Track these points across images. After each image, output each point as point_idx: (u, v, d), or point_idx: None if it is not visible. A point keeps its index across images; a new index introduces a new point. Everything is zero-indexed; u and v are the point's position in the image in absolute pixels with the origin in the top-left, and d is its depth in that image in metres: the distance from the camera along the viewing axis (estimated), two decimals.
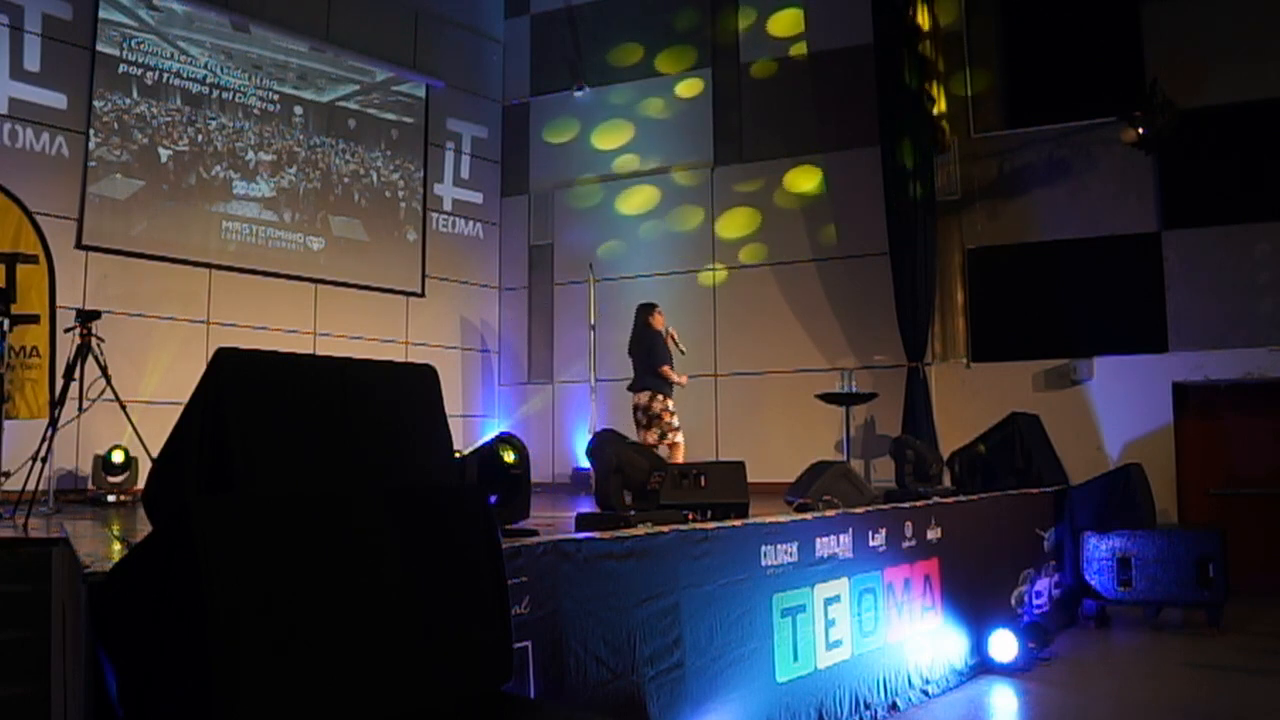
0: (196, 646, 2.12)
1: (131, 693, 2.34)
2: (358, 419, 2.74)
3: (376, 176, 11.52)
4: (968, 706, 5.66)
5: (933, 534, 6.07)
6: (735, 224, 11.42)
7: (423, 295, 11.77)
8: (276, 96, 10.64)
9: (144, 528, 2.99)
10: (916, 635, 5.73)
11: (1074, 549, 8.04)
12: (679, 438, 8.34)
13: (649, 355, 8.29)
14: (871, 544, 5.39)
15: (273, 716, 2.20)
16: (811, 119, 11.04)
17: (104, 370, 6.55)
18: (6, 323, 6.53)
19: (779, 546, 4.63)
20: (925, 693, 5.69)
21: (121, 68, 9.46)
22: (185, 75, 9.90)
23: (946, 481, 8.06)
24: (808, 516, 5.02)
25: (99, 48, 9.30)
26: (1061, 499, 8.23)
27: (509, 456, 4.11)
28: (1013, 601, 7.05)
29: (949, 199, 10.31)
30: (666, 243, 11.73)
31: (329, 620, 2.34)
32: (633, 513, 4.37)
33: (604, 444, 4.66)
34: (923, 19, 10.21)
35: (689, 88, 11.86)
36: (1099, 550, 7.82)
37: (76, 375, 6.49)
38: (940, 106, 10.31)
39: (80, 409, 6.60)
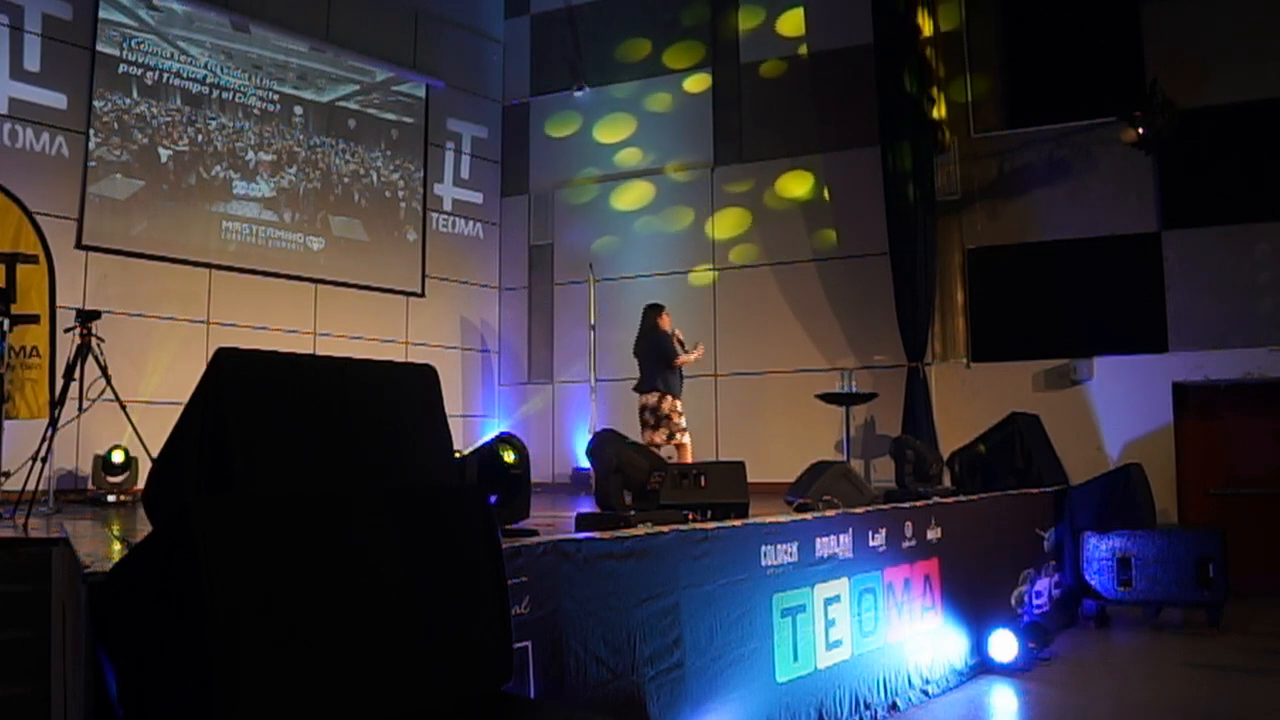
0: (196, 646, 2.12)
1: (131, 693, 2.34)
2: (358, 419, 2.74)
3: (376, 176, 11.52)
4: (968, 706, 5.66)
5: (933, 534, 6.07)
6: (735, 224, 11.42)
7: (423, 295, 11.77)
8: (276, 96, 10.64)
9: (144, 528, 2.99)
10: (916, 635, 5.73)
11: (1074, 549, 8.04)
12: (686, 438, 8.35)
13: (658, 356, 8.29)
14: (871, 544, 5.39)
15: (273, 716, 2.20)
16: (811, 119, 11.04)
17: (104, 370, 6.55)
18: (6, 323, 6.53)
19: (779, 546, 4.63)
20: (925, 693, 5.69)
21: (121, 68, 9.46)
22: (185, 75, 9.90)
23: (946, 481, 8.06)
24: (808, 516, 5.02)
25: (99, 48, 9.30)
26: (1061, 499, 8.23)
27: (509, 456, 4.11)
28: (1013, 601, 7.05)
29: (949, 199, 10.31)
30: (666, 242, 11.73)
31: (329, 620, 2.34)
32: (633, 513, 4.37)
33: (604, 444, 4.66)
34: (923, 19, 10.22)
35: (689, 88, 11.86)
36: (1099, 550, 7.82)
37: (76, 375, 6.49)
38: (940, 107, 10.31)
39: (80, 409, 6.60)
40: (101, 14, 9.33)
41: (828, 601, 4.95)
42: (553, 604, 3.43)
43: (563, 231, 12.37)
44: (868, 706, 5.16)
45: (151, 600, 2.31)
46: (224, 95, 10.20)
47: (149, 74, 9.64)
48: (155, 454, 3.18)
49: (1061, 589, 7.97)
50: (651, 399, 8.28)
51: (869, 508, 5.56)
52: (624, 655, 3.70)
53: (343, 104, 11.25)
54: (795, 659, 4.66)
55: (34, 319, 7.38)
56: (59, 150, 8.99)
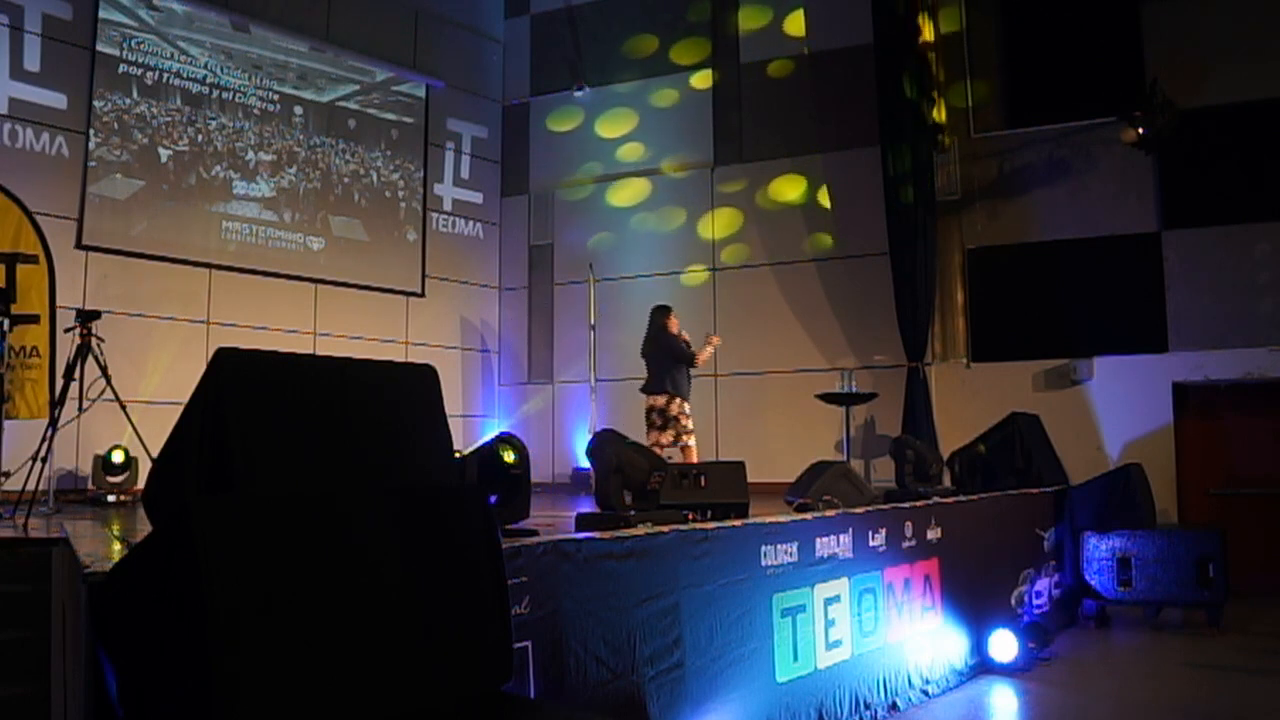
0: (196, 646, 2.12)
1: (131, 693, 2.34)
2: (358, 419, 2.74)
3: (376, 176, 11.52)
4: (968, 706, 5.66)
5: (933, 534, 6.07)
6: (735, 224, 11.42)
7: (423, 295, 11.77)
8: (276, 96, 10.64)
9: (144, 528, 2.99)
10: (916, 635, 5.73)
11: (1074, 549, 8.04)
12: (692, 440, 8.36)
13: (669, 358, 8.28)
14: (871, 544, 5.39)
15: (273, 716, 2.20)
16: (811, 119, 11.04)
17: (104, 370, 6.55)
18: (6, 323, 6.53)
19: (779, 546, 4.63)
20: (925, 693, 5.69)
21: (121, 68, 9.46)
22: (185, 75, 9.90)
23: (946, 481, 8.06)
24: (808, 516, 5.02)
25: (99, 48, 9.30)
26: (1061, 499, 8.23)
27: (509, 456, 4.11)
28: (1013, 601, 7.05)
29: (949, 199, 10.31)
30: (666, 242, 11.73)
31: (329, 620, 2.34)
32: (633, 513, 4.37)
33: (604, 444, 4.66)
34: (922, 20, 10.21)
35: (689, 88, 11.86)
36: (1099, 550, 7.82)
37: (76, 375, 6.48)
38: (940, 107, 10.31)
39: (80, 409, 6.60)
40: (101, 14, 9.33)
41: (828, 601, 4.95)
42: (553, 604, 3.43)
43: (562, 231, 12.37)
44: (868, 706, 5.16)
45: (151, 600, 2.31)
46: (224, 95, 10.20)
47: (149, 74, 9.64)
48: (155, 454, 3.18)
49: (1061, 589, 7.97)
50: (660, 400, 8.29)
51: (869, 508, 5.56)
52: (624, 655, 3.70)
53: (343, 104, 11.25)
54: (795, 659, 4.66)
55: (34, 319, 7.38)
56: (59, 150, 8.99)
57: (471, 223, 12.50)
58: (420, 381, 2.96)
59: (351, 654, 2.36)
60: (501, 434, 4.32)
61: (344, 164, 11.21)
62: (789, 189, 11.16)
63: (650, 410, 8.32)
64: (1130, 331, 9.51)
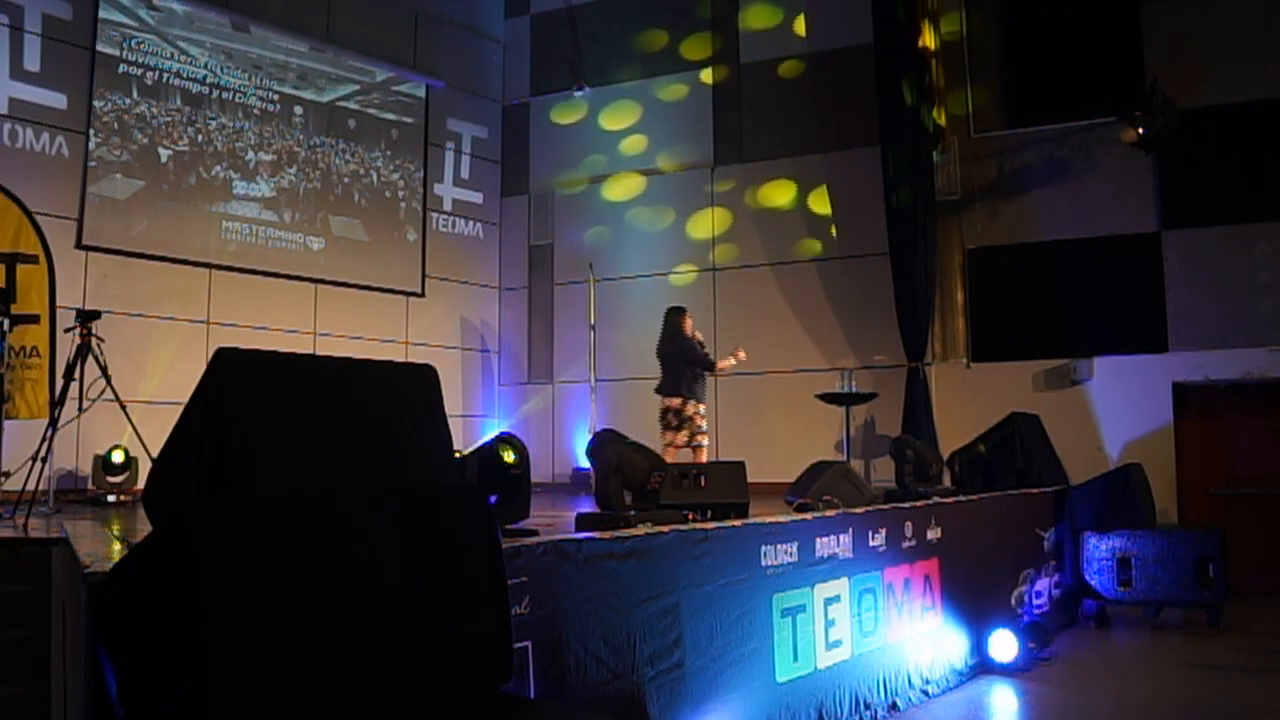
0: (196, 646, 2.12)
1: (131, 693, 2.34)
2: (358, 419, 2.74)
3: (376, 176, 11.52)
4: (968, 706, 5.66)
5: (933, 534, 6.07)
6: (735, 224, 11.41)
7: (423, 295, 11.77)
8: (276, 96, 10.64)
9: (144, 528, 2.99)
10: (916, 635, 5.73)
11: (1074, 549, 8.04)
12: (705, 440, 8.38)
13: (687, 360, 8.29)
14: (871, 544, 5.39)
15: (272, 716, 2.20)
16: (811, 119, 11.04)
17: (104, 370, 6.55)
18: (6, 323, 6.53)
19: (779, 546, 4.63)
20: (925, 693, 5.69)
21: (121, 68, 9.46)
22: (185, 75, 9.90)
23: (946, 481, 8.06)
24: (808, 516, 5.02)
25: (99, 48, 9.30)
26: (1061, 499, 8.23)
27: (509, 456, 4.12)
28: (1013, 601, 7.05)
29: (949, 199, 10.31)
30: (666, 242, 11.73)
31: (329, 620, 2.34)
32: (633, 513, 4.37)
33: (604, 444, 4.66)
34: (922, 20, 10.20)
35: (689, 87, 11.86)
36: (1099, 550, 7.82)
37: (76, 375, 6.48)
38: (940, 107, 10.31)
39: (80, 409, 6.60)
40: (101, 14, 9.33)
41: (828, 601, 4.95)
42: (553, 604, 3.43)
43: (563, 231, 12.37)
44: (868, 706, 5.16)
45: (151, 600, 2.31)
46: (224, 95, 10.20)
47: (149, 74, 9.64)
48: (155, 454, 3.18)
49: (1061, 589, 7.97)
50: (675, 402, 8.29)
51: (869, 508, 5.56)
52: (624, 655, 3.70)
53: (343, 104, 11.25)
54: (795, 659, 4.66)
55: (34, 319, 7.38)
56: (59, 150, 8.99)
57: (471, 223, 12.51)
58: (420, 381, 2.96)
59: (351, 654, 2.36)
60: (501, 434, 4.32)
61: (344, 164, 11.21)
62: (789, 189, 11.15)
63: (665, 411, 8.32)
64: (1130, 331, 9.51)
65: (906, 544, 5.77)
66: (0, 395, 6.29)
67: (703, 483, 4.84)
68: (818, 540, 4.92)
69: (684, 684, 3.96)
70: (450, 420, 3.06)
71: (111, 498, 8.09)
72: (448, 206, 12.26)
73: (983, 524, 6.87)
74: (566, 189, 12.40)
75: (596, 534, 3.78)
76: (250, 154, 10.38)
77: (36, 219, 7.71)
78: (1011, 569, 7.17)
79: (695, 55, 11.86)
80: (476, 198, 12.57)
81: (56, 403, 6.52)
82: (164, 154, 9.71)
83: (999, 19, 10.44)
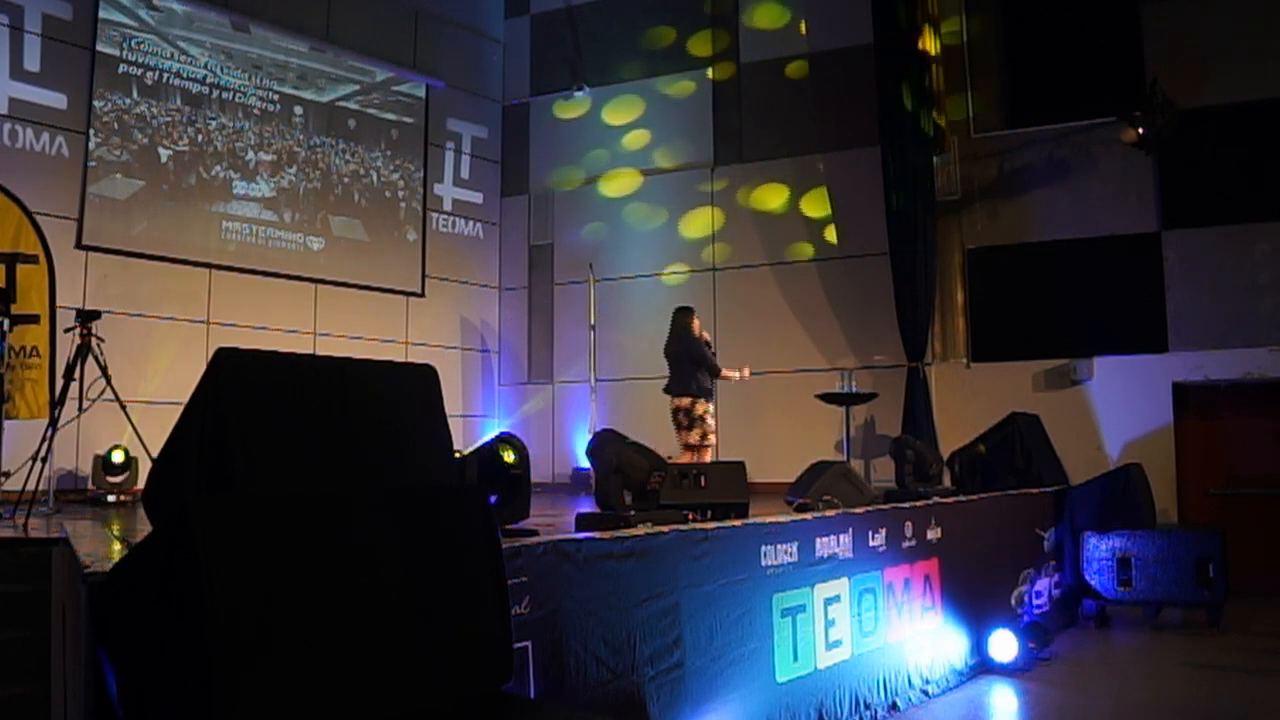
0: (196, 646, 2.12)
1: (131, 693, 2.34)
2: (358, 419, 2.74)
3: (376, 176, 11.52)
4: (968, 706, 5.66)
5: (933, 534, 6.07)
6: (735, 224, 11.41)
7: (423, 295, 11.77)
8: (276, 96, 10.64)
9: (144, 528, 2.99)
10: (916, 635, 5.73)
11: (1074, 549, 8.04)
12: (713, 439, 8.43)
13: (693, 360, 8.32)
14: (871, 544, 5.39)
15: (273, 717, 2.20)
16: (811, 119, 11.04)
17: (104, 370, 6.55)
18: (6, 323, 6.53)
19: (779, 546, 4.63)
20: (925, 693, 5.69)
21: (121, 68, 9.46)
22: (185, 75, 9.90)
23: (946, 481, 8.06)
24: (808, 516, 5.03)
25: (99, 48, 9.30)
26: (1061, 499, 8.23)
27: (509, 456, 4.12)
28: (1013, 601, 7.05)
29: (949, 199, 10.31)
30: (666, 242, 11.73)
31: (329, 620, 2.34)
32: (633, 513, 4.37)
33: (604, 444, 4.66)
34: (922, 19, 10.20)
35: (689, 88, 11.86)
36: (1099, 550, 7.82)
37: (76, 375, 6.48)
38: (940, 107, 10.31)
39: (80, 409, 6.60)
40: (101, 14, 9.33)
41: (828, 601, 4.95)
42: (553, 604, 3.43)
43: (562, 231, 12.37)
44: (868, 706, 5.16)
45: (151, 600, 2.31)
46: (224, 95, 10.20)
47: (149, 74, 9.64)
48: (155, 454, 3.18)
49: (1061, 589, 7.97)
50: (684, 402, 8.33)
51: (869, 508, 5.56)
52: (624, 655, 3.70)
53: (343, 104, 11.25)
54: (795, 659, 4.66)
55: (34, 319, 7.38)
56: (59, 150, 8.99)
57: (471, 223, 12.51)
58: (420, 381, 2.97)
59: (351, 654, 2.36)
60: (501, 434, 4.33)
61: (344, 164, 11.21)
62: (789, 189, 11.15)
63: (676, 411, 8.36)
64: (1130, 331, 9.51)
65: (906, 544, 5.77)
66: (0, 395, 6.29)
67: (703, 483, 4.84)
68: (818, 540, 4.92)
69: (684, 684, 3.96)
70: (450, 420, 3.06)
71: (111, 498, 8.09)
72: (448, 206, 12.26)
73: (983, 524, 6.87)
74: (566, 187, 12.40)
75: (596, 534, 3.78)
76: (250, 154, 10.38)
77: (36, 219, 7.71)
78: (1011, 569, 7.17)
79: (695, 55, 11.86)
80: (476, 198, 12.57)
81: (56, 403, 6.52)
82: (164, 154, 9.71)
83: (999, 19, 10.44)
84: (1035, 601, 7.36)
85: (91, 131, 9.18)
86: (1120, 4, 9.78)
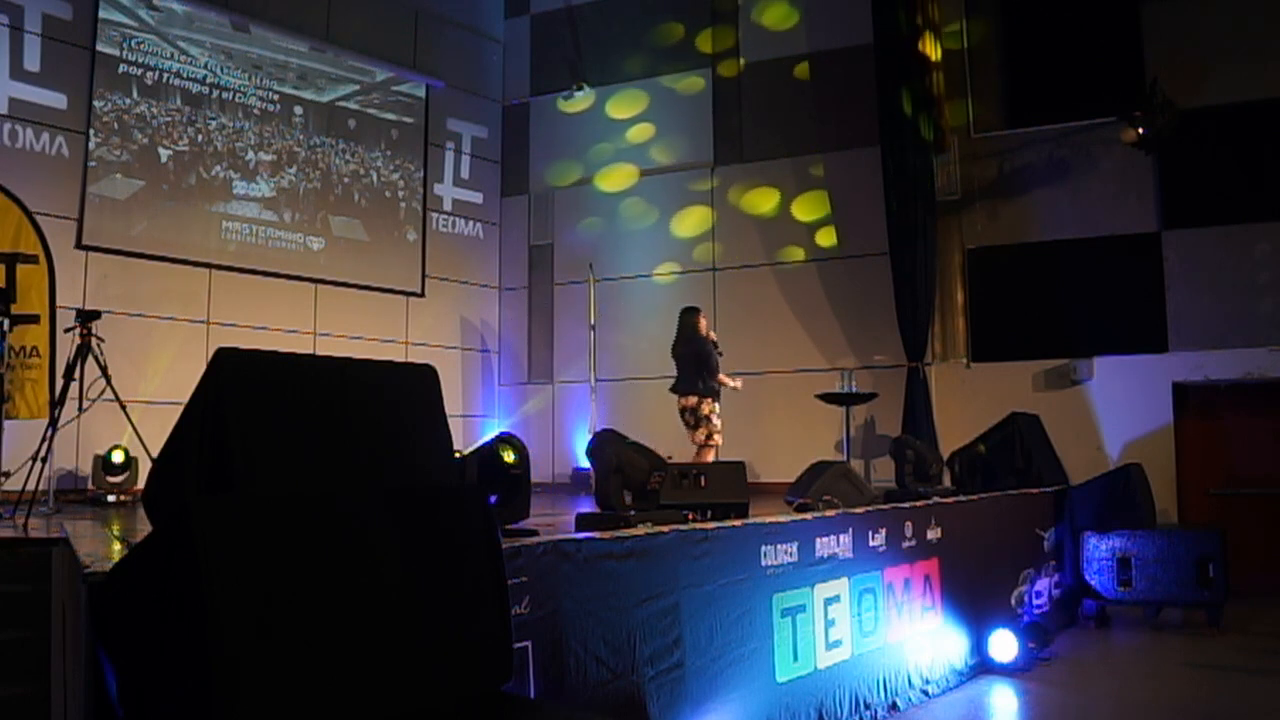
0: (196, 646, 2.12)
1: (131, 693, 2.34)
2: (358, 419, 2.74)
3: (376, 176, 11.52)
4: (968, 706, 5.66)
5: (933, 534, 6.07)
6: (735, 224, 11.41)
7: (423, 295, 11.77)
8: (276, 96, 10.64)
9: (144, 528, 2.99)
10: (916, 635, 5.73)
11: (1074, 549, 8.04)
12: (718, 439, 8.47)
13: (699, 360, 8.37)
14: (871, 544, 5.39)
15: (273, 716, 2.20)
16: (811, 119, 11.04)
17: (104, 370, 6.55)
18: (6, 323, 6.53)
19: (779, 546, 4.63)
20: (925, 693, 5.69)
21: (121, 68, 9.46)
22: (185, 75, 9.90)
23: (946, 481, 8.06)
24: (808, 516, 5.03)
25: (99, 48, 9.30)
26: (1061, 499, 8.23)
27: (509, 456, 4.12)
28: (1013, 601, 7.05)
29: (949, 199, 10.31)
30: (666, 242, 11.73)
31: (329, 620, 2.34)
32: (633, 513, 4.37)
33: (604, 444, 4.66)
34: (922, 20, 10.20)
35: (689, 88, 11.86)
36: (1099, 550, 7.82)
37: (76, 375, 6.48)
38: (940, 107, 10.30)
39: (80, 409, 6.60)
40: (101, 14, 9.32)
41: (828, 601, 4.95)
42: (553, 604, 3.43)
43: (562, 231, 12.37)
44: (868, 706, 5.16)
45: (151, 600, 2.31)
46: (224, 95, 10.20)
47: (149, 74, 9.64)
48: (155, 454, 3.18)
49: (1061, 589, 7.97)
50: (691, 401, 8.40)
51: (869, 508, 5.56)
52: (624, 655, 3.70)
53: (343, 104, 11.25)
54: (795, 659, 4.66)
55: (34, 319, 7.38)
56: (59, 150, 8.99)
57: (471, 223, 12.51)
58: (420, 381, 2.97)
59: (351, 654, 2.36)
60: (501, 434, 4.32)
61: (344, 164, 11.21)
62: (789, 189, 11.15)
63: (683, 410, 8.46)
64: (1130, 331, 9.51)
65: (906, 544, 5.77)
66: (0, 395, 6.29)
67: (703, 483, 4.84)
68: (818, 540, 4.92)
69: (684, 684, 3.96)
70: (450, 420, 3.06)
71: (111, 498, 8.08)
72: (448, 206, 12.26)
73: (983, 524, 6.87)
74: (565, 183, 12.40)
75: (596, 534, 3.78)
76: (250, 154, 10.38)
77: (36, 219, 7.71)
78: (1011, 569, 7.17)
79: (695, 55, 11.86)
80: (476, 198, 12.57)
81: (56, 403, 6.52)
82: (164, 154, 9.71)
83: (999, 20, 10.43)
84: (1035, 601, 7.36)
85: (91, 131, 9.18)
86: (1120, 4, 9.78)
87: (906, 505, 6.05)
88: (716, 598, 4.20)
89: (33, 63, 8.88)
